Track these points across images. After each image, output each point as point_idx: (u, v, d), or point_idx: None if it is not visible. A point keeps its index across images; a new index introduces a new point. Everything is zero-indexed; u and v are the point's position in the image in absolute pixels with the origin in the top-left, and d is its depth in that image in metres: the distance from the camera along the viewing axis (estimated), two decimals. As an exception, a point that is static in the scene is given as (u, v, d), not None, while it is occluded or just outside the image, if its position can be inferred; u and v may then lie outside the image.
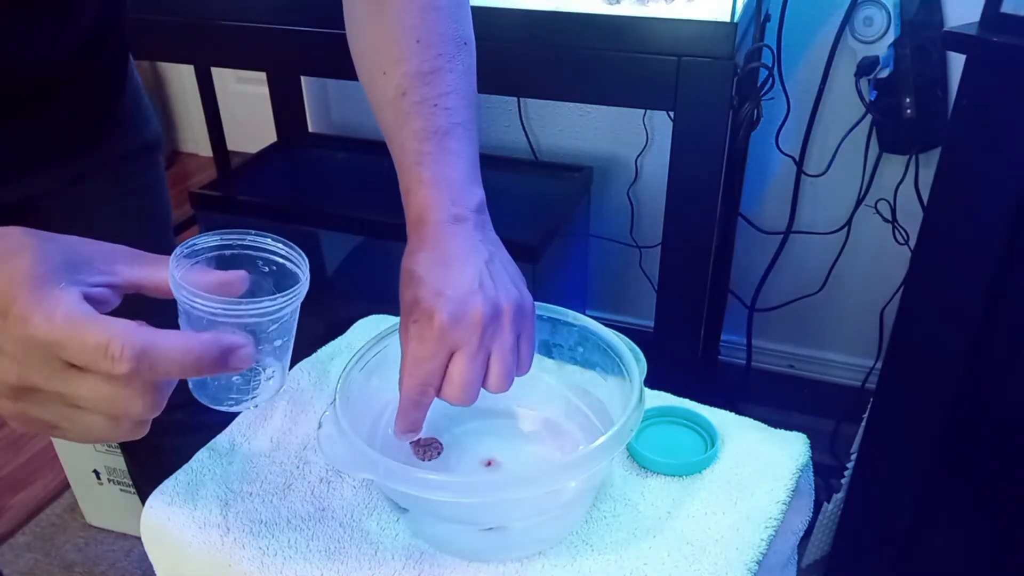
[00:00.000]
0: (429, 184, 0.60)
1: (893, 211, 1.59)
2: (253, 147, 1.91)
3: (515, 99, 1.76)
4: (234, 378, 0.50)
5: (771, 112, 1.52)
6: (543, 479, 0.55)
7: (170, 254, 0.47)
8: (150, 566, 0.69)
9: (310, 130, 1.99)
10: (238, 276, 0.48)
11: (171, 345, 0.41)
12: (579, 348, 0.68)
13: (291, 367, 0.82)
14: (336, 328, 0.90)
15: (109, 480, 1.49)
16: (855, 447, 1.29)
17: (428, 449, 0.65)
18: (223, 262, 0.50)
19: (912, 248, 1.48)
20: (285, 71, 1.86)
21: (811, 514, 0.71)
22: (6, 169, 0.74)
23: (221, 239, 0.50)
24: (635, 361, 0.62)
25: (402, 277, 0.59)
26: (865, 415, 1.22)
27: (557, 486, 0.57)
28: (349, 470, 0.57)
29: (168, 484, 0.68)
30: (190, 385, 0.51)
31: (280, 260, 0.51)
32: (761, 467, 0.68)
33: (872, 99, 1.46)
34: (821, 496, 1.21)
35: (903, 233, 1.59)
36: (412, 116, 0.62)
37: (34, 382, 0.41)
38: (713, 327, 1.71)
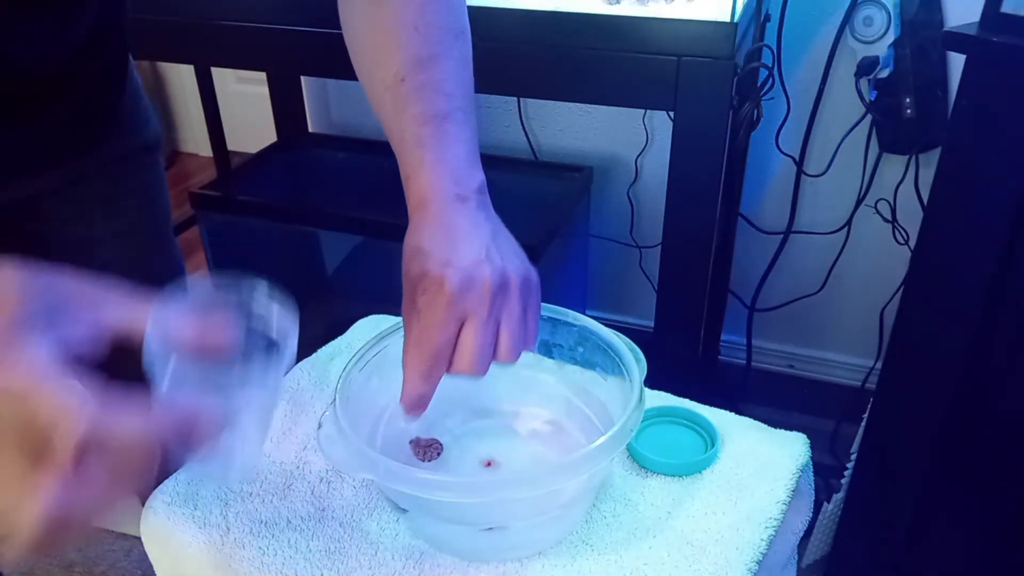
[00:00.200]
0: (431, 166, 0.60)
1: (893, 211, 1.59)
2: (253, 147, 1.91)
3: (515, 99, 1.76)
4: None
5: (771, 112, 1.52)
6: (543, 479, 0.55)
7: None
8: (150, 566, 0.69)
9: (310, 130, 1.99)
10: (224, 337, 0.44)
11: (126, 428, 0.38)
12: (579, 348, 0.68)
13: (291, 367, 0.82)
14: (336, 328, 0.90)
15: (109, 480, 1.49)
16: (855, 447, 1.29)
17: (428, 449, 0.65)
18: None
19: (912, 248, 1.48)
20: (285, 71, 1.86)
21: (811, 514, 0.71)
22: (6, 169, 0.74)
23: (211, 294, 0.47)
24: (635, 361, 0.62)
25: (406, 254, 0.58)
26: (865, 415, 1.22)
27: (557, 486, 0.57)
28: (349, 470, 0.57)
29: (168, 484, 0.68)
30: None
31: (270, 329, 0.47)
32: (761, 467, 0.68)
33: (872, 99, 1.46)
34: (821, 496, 1.21)
35: (903, 233, 1.59)
36: (411, 101, 0.62)
37: None
38: (713, 327, 1.71)
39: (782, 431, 0.73)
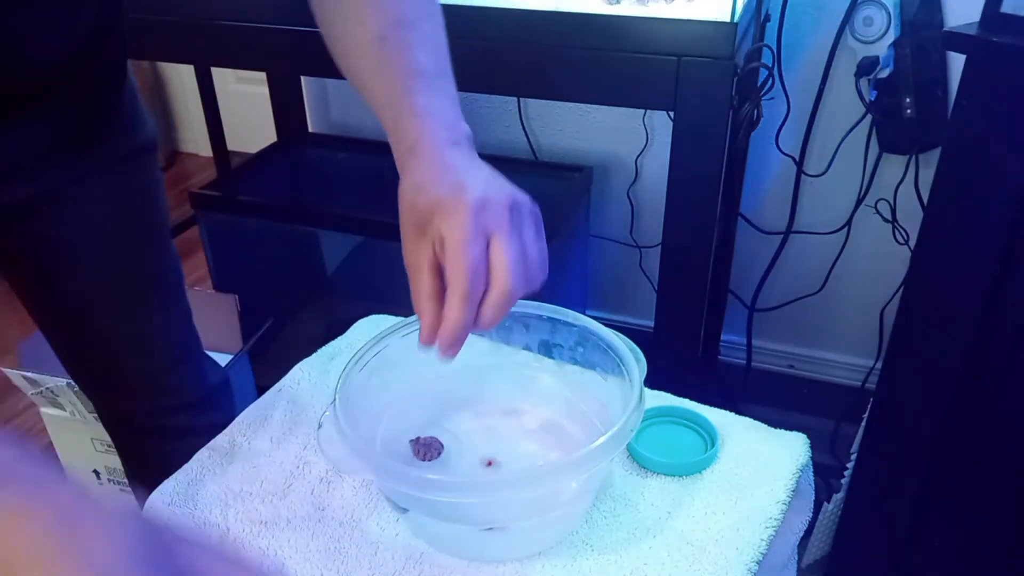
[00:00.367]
0: (422, 112, 0.60)
1: (893, 211, 1.58)
2: (253, 147, 1.91)
3: (515, 99, 1.76)
4: None
5: (771, 112, 1.52)
6: (543, 479, 0.55)
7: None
8: (150, 566, 0.69)
9: (310, 130, 1.99)
10: None
11: None
12: (579, 348, 0.68)
13: (291, 367, 0.82)
14: (336, 328, 0.90)
15: (109, 480, 1.49)
16: (855, 447, 1.29)
17: (428, 449, 0.65)
18: None
19: (912, 248, 1.48)
20: (285, 71, 1.86)
21: (811, 514, 0.71)
22: (10, 169, 0.74)
23: None
24: (635, 361, 0.62)
25: (407, 193, 0.58)
26: (865, 415, 1.22)
27: (557, 486, 0.57)
28: (349, 470, 0.57)
29: (168, 484, 0.68)
30: None
31: None
32: (761, 467, 0.68)
33: (872, 99, 1.46)
34: (821, 496, 1.20)
35: (903, 233, 1.59)
36: (396, 57, 0.62)
37: None
38: (713, 327, 1.71)
39: (782, 431, 0.73)
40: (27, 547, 0.28)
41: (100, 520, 0.30)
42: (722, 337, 1.78)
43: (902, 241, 1.60)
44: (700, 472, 0.68)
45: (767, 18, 1.41)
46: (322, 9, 0.67)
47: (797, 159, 1.59)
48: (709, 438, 0.71)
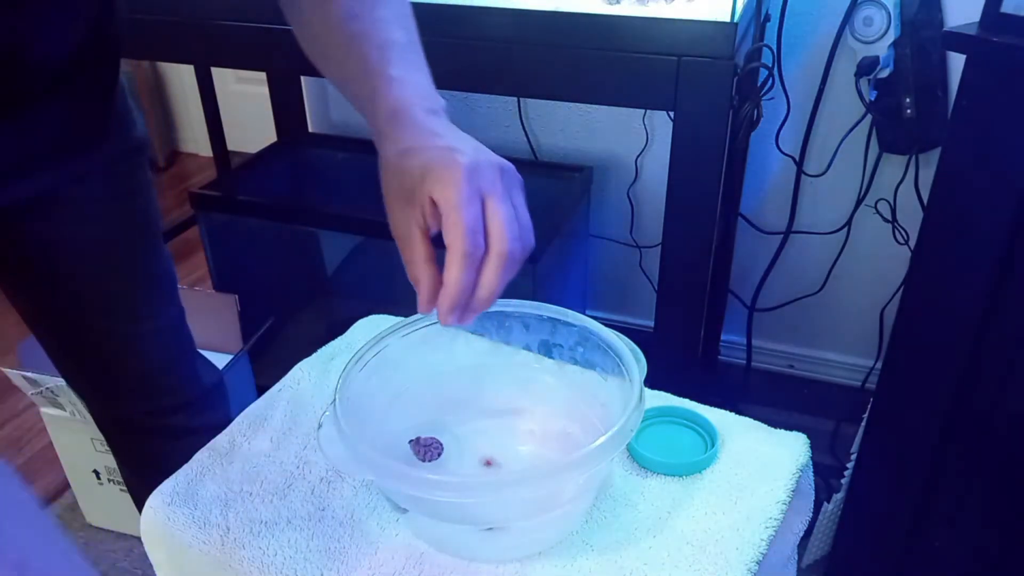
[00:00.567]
0: (400, 82, 0.60)
1: (893, 211, 1.59)
2: (253, 147, 1.91)
3: (515, 99, 1.76)
4: None
5: (771, 112, 1.52)
6: (543, 479, 0.55)
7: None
8: (150, 566, 0.69)
9: (310, 130, 1.99)
10: None
11: None
12: (579, 348, 0.68)
13: (291, 367, 0.82)
14: (336, 328, 0.90)
15: (109, 480, 1.49)
16: (855, 447, 1.29)
17: (428, 449, 0.65)
18: None
19: (912, 248, 1.48)
20: (285, 71, 1.86)
21: (811, 514, 0.71)
22: (10, 169, 0.74)
23: None
24: (635, 361, 0.62)
25: (392, 160, 0.57)
26: (865, 415, 1.22)
27: (557, 486, 0.57)
28: (349, 470, 0.57)
29: (168, 484, 0.68)
30: None
31: None
32: (761, 467, 0.68)
33: (872, 99, 1.46)
34: (821, 496, 1.20)
35: (903, 233, 1.59)
36: (368, 32, 0.62)
37: None
38: (713, 327, 1.71)
39: (782, 431, 0.73)
40: None
41: None
42: (722, 337, 1.78)
43: (902, 241, 1.60)
44: (700, 472, 0.68)
45: (767, 18, 1.41)
46: (292, 13, 0.68)
47: (797, 159, 1.59)
48: (709, 438, 0.71)
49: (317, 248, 1.79)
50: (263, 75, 1.98)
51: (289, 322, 1.81)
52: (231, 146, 1.97)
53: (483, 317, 0.68)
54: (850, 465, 1.27)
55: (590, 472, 0.57)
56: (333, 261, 1.79)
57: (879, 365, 1.52)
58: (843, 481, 1.29)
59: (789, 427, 0.73)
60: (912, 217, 1.57)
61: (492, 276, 0.54)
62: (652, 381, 0.66)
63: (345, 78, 0.64)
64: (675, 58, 1.07)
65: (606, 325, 0.66)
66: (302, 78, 1.92)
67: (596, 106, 1.72)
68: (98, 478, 1.49)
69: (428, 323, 0.68)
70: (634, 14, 1.08)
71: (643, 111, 1.68)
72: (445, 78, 1.33)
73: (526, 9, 1.13)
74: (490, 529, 0.61)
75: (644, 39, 1.08)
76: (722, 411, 0.75)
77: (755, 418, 0.75)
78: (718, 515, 0.64)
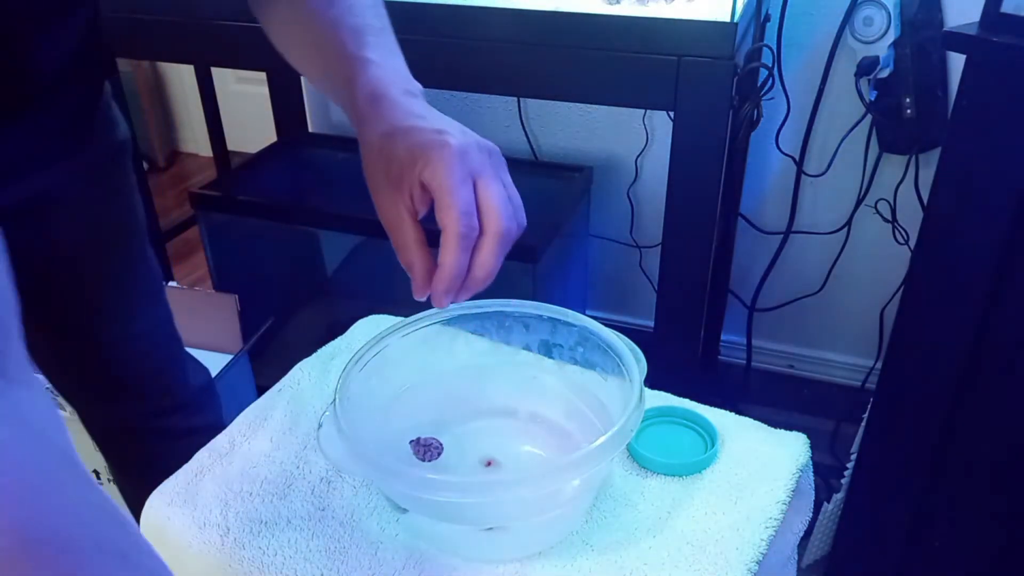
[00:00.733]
0: (379, 66, 0.59)
1: (893, 211, 1.59)
2: (253, 147, 1.91)
3: (515, 99, 1.76)
4: None
5: (771, 112, 1.52)
6: (543, 479, 0.55)
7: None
8: (150, 566, 0.69)
9: (310, 130, 1.99)
10: None
11: None
12: (579, 348, 0.68)
13: (291, 367, 0.82)
14: (336, 328, 0.90)
15: (109, 480, 1.49)
16: (855, 447, 1.29)
17: (428, 449, 0.65)
18: None
19: (912, 248, 1.48)
20: (285, 71, 1.86)
21: (811, 514, 0.71)
22: (10, 169, 0.74)
23: None
24: (635, 361, 0.62)
25: (376, 141, 0.56)
26: (865, 415, 1.22)
27: (557, 486, 0.57)
28: (349, 470, 0.57)
29: (168, 484, 0.68)
30: None
31: None
32: (761, 467, 0.68)
33: (872, 99, 1.46)
34: (821, 496, 1.20)
35: (903, 233, 1.59)
36: (344, 18, 0.62)
37: None
38: (713, 327, 1.71)
39: (782, 431, 0.73)
40: None
41: None
42: (722, 337, 1.78)
43: (902, 241, 1.60)
44: (700, 472, 0.68)
45: (767, 18, 1.41)
46: (263, 8, 0.68)
47: (797, 159, 1.59)
48: (709, 438, 0.71)
49: (317, 248, 1.79)
50: (263, 75, 1.98)
51: (289, 322, 1.81)
52: (231, 146, 1.97)
53: (483, 317, 0.68)
54: (850, 465, 1.27)
55: (590, 472, 0.57)
56: (333, 261, 1.79)
57: (879, 365, 1.52)
58: (843, 481, 1.29)
59: (789, 427, 0.73)
60: (912, 217, 1.57)
61: (489, 256, 0.54)
62: (652, 381, 0.65)
63: (320, 66, 0.64)
64: (675, 58, 1.07)
65: (606, 325, 0.66)
66: (302, 78, 1.92)
67: (596, 106, 1.72)
68: (98, 478, 1.49)
69: (428, 323, 0.68)
70: (634, 14, 1.08)
71: (643, 111, 1.68)
72: (445, 78, 1.33)
73: (526, 9, 1.13)
74: (490, 529, 0.61)
75: (644, 39, 1.08)
76: (722, 411, 0.75)
77: (755, 418, 0.75)
78: (718, 515, 0.64)
